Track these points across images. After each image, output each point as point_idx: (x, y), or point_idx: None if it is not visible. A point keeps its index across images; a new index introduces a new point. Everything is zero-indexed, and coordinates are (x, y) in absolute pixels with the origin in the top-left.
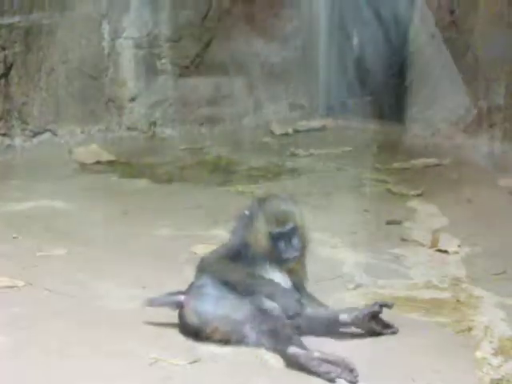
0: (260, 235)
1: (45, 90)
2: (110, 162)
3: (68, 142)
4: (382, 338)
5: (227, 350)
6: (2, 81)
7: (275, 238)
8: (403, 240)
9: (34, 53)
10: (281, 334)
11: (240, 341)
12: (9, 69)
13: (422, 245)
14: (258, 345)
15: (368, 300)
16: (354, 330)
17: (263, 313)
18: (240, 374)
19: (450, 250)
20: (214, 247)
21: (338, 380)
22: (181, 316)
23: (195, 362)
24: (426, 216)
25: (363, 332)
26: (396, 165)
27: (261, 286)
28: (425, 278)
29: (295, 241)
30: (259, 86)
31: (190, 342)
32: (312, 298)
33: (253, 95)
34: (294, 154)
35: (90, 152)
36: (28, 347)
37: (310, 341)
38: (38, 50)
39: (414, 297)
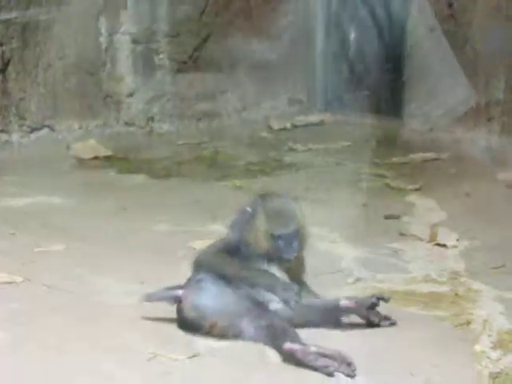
0: (261, 235)
1: (42, 85)
2: (108, 158)
3: (66, 137)
4: (380, 331)
5: (225, 344)
6: (0, 77)
7: (276, 239)
8: (402, 234)
9: (32, 48)
10: (277, 329)
11: (238, 335)
12: (6, 64)
13: (421, 239)
14: (255, 339)
15: (367, 294)
16: (353, 320)
17: (260, 307)
18: (238, 369)
19: (448, 244)
20: (211, 242)
21: (335, 374)
22: (179, 311)
23: (194, 356)
24: (425, 210)
25: (362, 322)
26: (394, 159)
27: (259, 278)
28: (423, 271)
29: (296, 242)
30: (257, 81)
31: (188, 337)
32: (310, 292)
33: (251, 90)
34: (292, 149)
35: (88, 147)
36: (26, 343)
37: (307, 334)
38: (36, 46)
39: (413, 291)
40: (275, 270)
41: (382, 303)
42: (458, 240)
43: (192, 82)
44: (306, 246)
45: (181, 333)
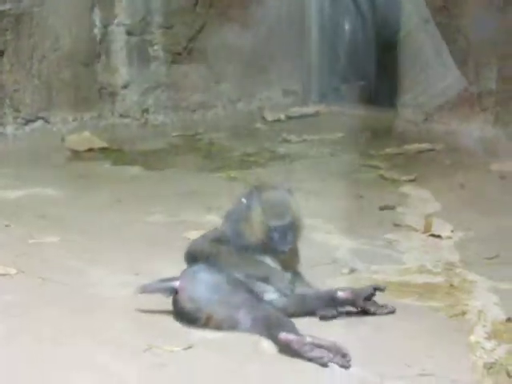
0: (256, 226)
1: (37, 77)
2: (103, 150)
3: (60, 129)
4: (375, 322)
5: (221, 335)
6: None
7: (271, 230)
8: (396, 225)
9: (26, 40)
10: (273, 320)
11: (234, 327)
12: (0, 56)
13: (415, 230)
14: (252, 331)
15: (362, 285)
16: (349, 309)
17: (256, 298)
18: (233, 360)
19: (443, 234)
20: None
21: (330, 365)
22: (175, 302)
23: (189, 348)
24: (419, 201)
25: (357, 312)
26: (389, 150)
27: (253, 267)
28: (418, 262)
29: (290, 233)
30: (251, 72)
31: (183, 329)
32: (305, 282)
33: (245, 81)
34: (286, 140)
35: (83, 139)
36: (20, 335)
37: (302, 325)
38: (30, 38)
39: (408, 281)
40: (270, 261)
41: (378, 294)
42: (452, 231)
43: (186, 74)
44: (300, 237)
45: (176, 324)
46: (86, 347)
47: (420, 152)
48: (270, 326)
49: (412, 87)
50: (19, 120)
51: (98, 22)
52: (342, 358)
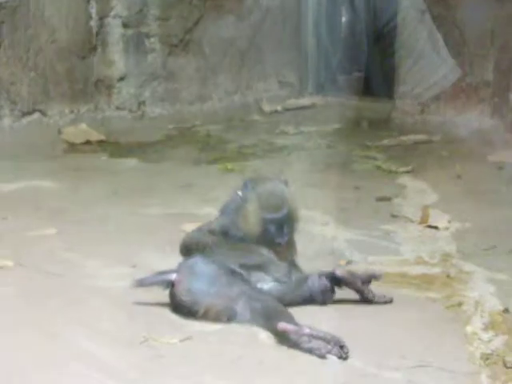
0: (252, 219)
1: (33, 69)
2: (100, 142)
3: (57, 121)
4: (372, 313)
5: (219, 327)
6: None
7: (267, 223)
8: (393, 216)
9: (22, 33)
10: (271, 310)
11: (233, 318)
12: None
13: (412, 221)
14: (250, 322)
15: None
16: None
17: (254, 289)
18: (231, 352)
19: (440, 225)
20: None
21: (328, 356)
22: (172, 295)
23: (186, 339)
24: (416, 192)
25: (355, 301)
26: (385, 142)
27: (249, 257)
28: (415, 253)
29: (286, 226)
30: (248, 64)
31: (180, 321)
32: (302, 273)
33: (242, 73)
34: (283, 132)
35: (80, 132)
36: (17, 327)
37: (299, 315)
38: (26, 30)
39: (405, 272)
40: (266, 252)
41: (375, 284)
42: (449, 222)
43: (183, 66)
44: (297, 229)
45: (173, 316)
46: (83, 339)
47: (417, 143)
48: (269, 317)
49: (408, 78)
50: (16, 112)
51: (94, 15)
52: (340, 350)
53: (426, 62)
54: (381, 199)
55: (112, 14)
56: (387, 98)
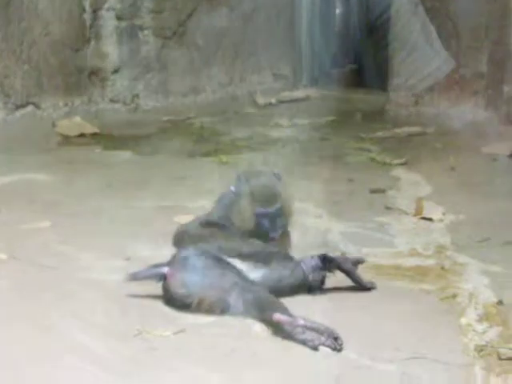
0: (245, 214)
1: (27, 62)
2: (94, 135)
3: (51, 114)
4: (366, 305)
5: (212, 319)
6: None
7: (260, 218)
8: (387, 208)
9: (16, 26)
10: (265, 302)
11: (226, 310)
12: None
13: (406, 213)
14: (244, 314)
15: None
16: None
17: (247, 281)
18: (225, 344)
19: (434, 217)
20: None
21: (321, 348)
22: (165, 288)
23: (180, 332)
24: (410, 184)
25: (346, 275)
26: (380, 134)
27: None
28: (409, 245)
29: (280, 220)
30: (242, 56)
31: (174, 313)
32: None
33: (236, 66)
34: (277, 125)
35: (73, 125)
36: (11, 320)
37: (293, 307)
38: (20, 23)
39: (399, 264)
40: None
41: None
42: (443, 213)
43: (177, 58)
44: (291, 222)
45: (166, 309)
46: (77, 332)
47: (411, 135)
48: (263, 308)
49: (402, 70)
50: (9, 105)
51: (88, 7)
52: (334, 341)
53: (420, 54)
54: (375, 191)
55: (106, 6)
56: (381, 90)
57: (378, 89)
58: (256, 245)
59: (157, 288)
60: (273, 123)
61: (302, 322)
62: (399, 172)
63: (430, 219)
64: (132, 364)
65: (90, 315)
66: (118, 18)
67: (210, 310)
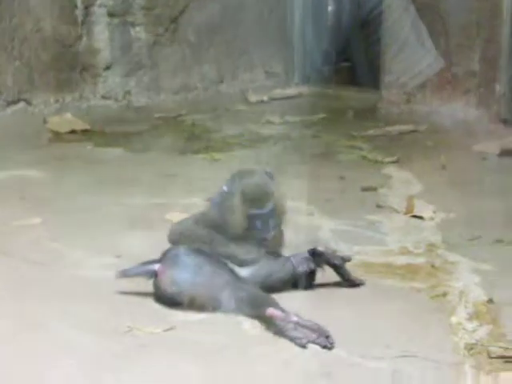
0: (238, 214)
1: (18, 59)
2: (85, 131)
3: (42, 111)
4: (356, 303)
5: (202, 317)
6: None
7: (253, 219)
8: (379, 206)
9: (7, 22)
10: (257, 299)
11: (217, 308)
12: None
13: (397, 211)
14: (235, 311)
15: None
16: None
17: (238, 278)
18: (215, 341)
19: (425, 216)
20: (188, 215)
21: (309, 346)
22: (156, 286)
23: (170, 329)
24: (402, 182)
25: (334, 270)
26: (371, 132)
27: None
28: (400, 243)
29: (272, 220)
30: (234, 53)
31: (165, 311)
32: None
33: (227, 63)
34: (269, 122)
35: (65, 121)
36: (1, 318)
37: (284, 304)
38: (11, 19)
39: (390, 263)
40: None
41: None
42: (434, 212)
43: (169, 55)
44: (283, 221)
45: (157, 306)
46: (67, 330)
47: (402, 133)
48: (255, 305)
49: (394, 68)
50: (1, 102)
51: (79, 4)
52: (325, 339)
53: (411, 51)
54: (366, 189)
55: (97, 3)
56: (373, 88)
57: (369, 86)
58: (248, 247)
59: (147, 285)
60: (264, 120)
61: (294, 318)
62: (390, 170)
63: (420, 217)
64: (122, 361)
65: (79, 312)
66: (110, 14)
67: (201, 308)
